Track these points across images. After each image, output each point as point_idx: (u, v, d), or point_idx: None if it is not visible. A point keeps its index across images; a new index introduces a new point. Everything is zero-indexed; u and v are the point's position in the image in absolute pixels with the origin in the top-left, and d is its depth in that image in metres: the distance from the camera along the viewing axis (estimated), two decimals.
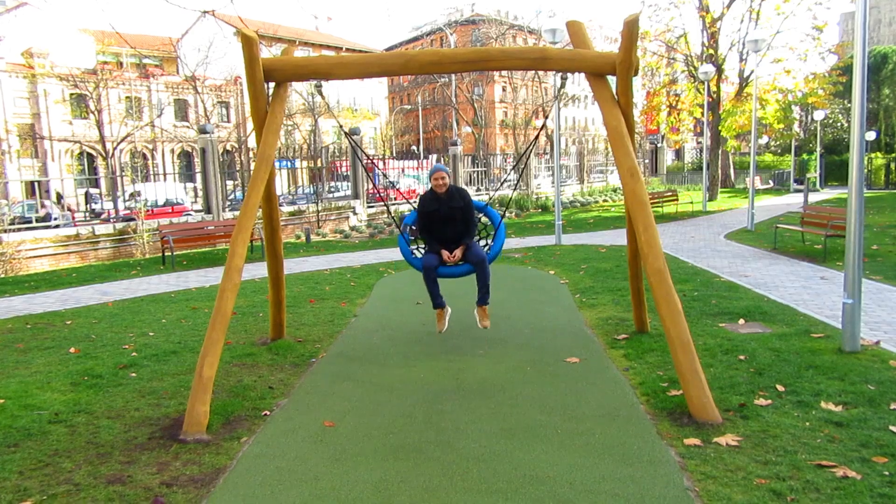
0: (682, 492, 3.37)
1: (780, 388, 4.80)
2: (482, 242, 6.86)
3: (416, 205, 6.58)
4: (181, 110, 45.76)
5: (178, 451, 4.09)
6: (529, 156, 7.76)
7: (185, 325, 7.68)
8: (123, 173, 26.05)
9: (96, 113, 35.98)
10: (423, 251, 6.54)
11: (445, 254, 6.11)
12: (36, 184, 31.69)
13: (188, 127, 42.22)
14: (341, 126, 7.00)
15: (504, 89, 63.13)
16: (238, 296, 5.52)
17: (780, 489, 3.32)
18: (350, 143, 7.08)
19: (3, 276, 13.88)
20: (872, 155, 41.45)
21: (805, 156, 45.39)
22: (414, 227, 6.67)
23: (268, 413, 4.76)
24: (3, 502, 3.47)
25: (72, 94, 39.18)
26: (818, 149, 41.85)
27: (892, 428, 3.99)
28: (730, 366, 5.38)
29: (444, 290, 6.31)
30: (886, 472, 3.45)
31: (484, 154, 35.56)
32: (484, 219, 7.10)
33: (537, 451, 3.92)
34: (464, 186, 27.29)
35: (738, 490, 3.35)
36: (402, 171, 31.29)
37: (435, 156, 41.37)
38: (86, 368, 5.91)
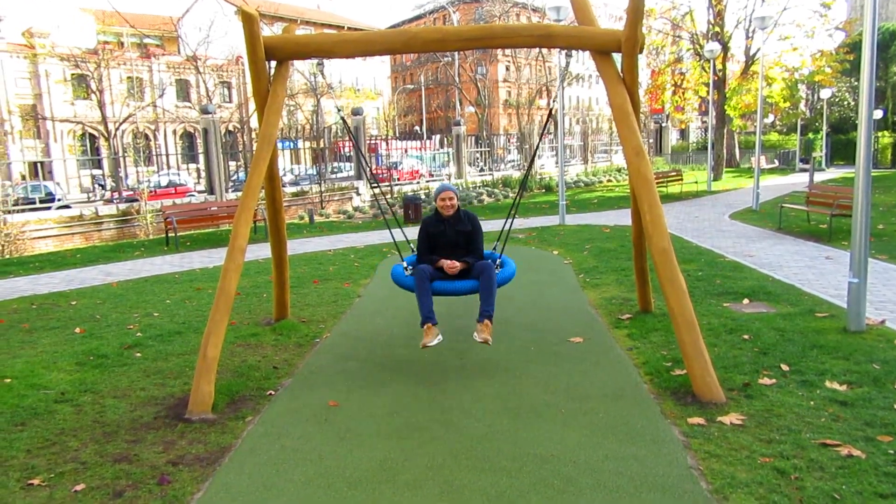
0: (685, 470, 3.38)
1: (784, 367, 4.79)
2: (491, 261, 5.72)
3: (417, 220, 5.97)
4: (183, 90, 45.55)
5: (184, 431, 4.12)
6: (540, 141, 7.62)
7: (189, 306, 7.69)
8: (126, 154, 26.00)
9: (98, 93, 35.83)
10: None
11: (445, 262, 5.29)
12: (38, 164, 31.69)
13: (190, 107, 42.07)
14: (339, 110, 6.57)
15: (508, 68, 62.60)
16: (242, 276, 5.51)
17: (784, 468, 3.32)
18: (347, 129, 6.75)
19: (7, 256, 13.94)
20: (879, 133, 41.09)
21: (811, 135, 45.03)
22: (412, 267, 5.45)
23: (272, 393, 4.78)
24: (12, 480, 3.50)
25: (73, 75, 38.98)
26: (824, 128, 41.51)
27: None
28: (734, 345, 5.38)
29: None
30: (891, 451, 3.45)
31: (487, 134, 35.39)
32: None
33: (541, 430, 3.93)
34: (468, 178, 27.09)
35: (742, 469, 3.35)
36: (405, 151, 31.19)
37: (438, 136, 41.18)
38: (91, 348, 5.93)
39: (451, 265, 5.27)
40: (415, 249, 5.74)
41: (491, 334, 4.95)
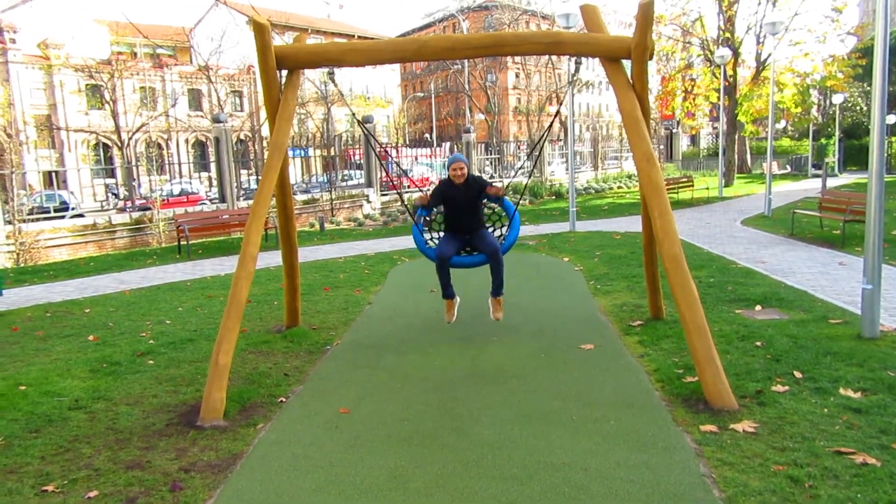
0: (698, 478, 3.36)
1: (797, 374, 4.75)
2: (496, 233, 6.79)
3: (430, 191, 6.52)
4: (195, 100, 45.94)
5: (196, 438, 4.14)
6: (544, 144, 7.64)
7: (201, 313, 7.74)
8: (139, 163, 26.25)
9: (111, 103, 36.25)
10: (437, 242, 6.47)
11: (495, 188, 6.15)
12: (53, 174, 32.03)
13: (202, 116, 42.43)
14: (354, 115, 6.99)
15: (517, 76, 62.72)
16: (253, 284, 5.54)
17: (797, 476, 3.29)
18: (363, 131, 6.96)
19: (22, 265, 14.08)
20: (893, 138, 40.74)
21: (823, 140, 44.70)
22: (428, 218, 6.65)
23: (283, 400, 4.79)
24: (27, 486, 3.53)
25: (87, 85, 39.46)
26: (837, 133, 41.22)
27: None
28: (746, 352, 5.34)
29: (457, 278, 6.27)
30: None
31: (497, 141, 35.42)
32: (498, 208, 7.00)
33: (552, 438, 3.92)
34: (478, 174, 27.21)
35: (755, 477, 3.33)
36: (416, 159, 31.27)
37: (448, 143, 41.26)
38: (104, 356, 5.98)
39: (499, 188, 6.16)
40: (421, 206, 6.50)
41: (503, 311, 6.13)
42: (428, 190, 6.82)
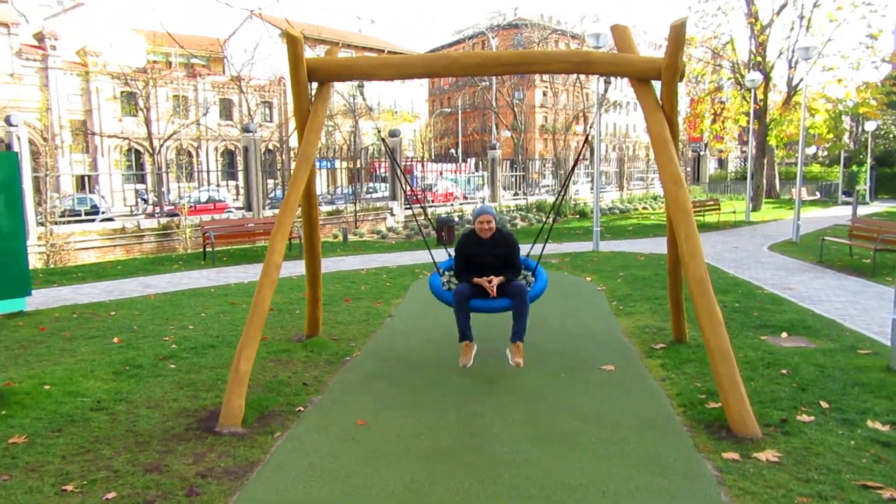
0: None
1: (823, 404, 4.65)
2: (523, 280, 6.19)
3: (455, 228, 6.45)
4: (226, 109, 46.64)
5: (214, 443, 4.16)
6: (575, 166, 7.61)
7: (224, 320, 7.81)
8: (169, 170, 26.71)
9: (145, 111, 36.97)
10: (454, 284, 5.85)
11: (482, 281, 5.48)
12: (86, 178, 32.66)
13: (232, 126, 43.03)
14: (379, 131, 7.00)
15: (545, 94, 62.83)
16: (275, 292, 5.58)
17: None
18: (385, 148, 6.81)
19: (52, 266, 14.36)
20: None
21: (854, 167, 44.02)
22: (448, 272, 6.01)
23: (302, 409, 4.80)
24: (47, 485, 3.57)
25: (122, 92, 40.30)
26: (869, 160, 40.57)
27: None
28: (771, 380, 5.24)
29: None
30: None
31: (523, 159, 35.44)
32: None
33: (570, 459, 3.87)
34: (503, 202, 27.10)
35: None
36: (441, 173, 31.39)
37: (473, 159, 41.37)
38: (127, 358, 6.05)
39: (489, 286, 5.48)
40: (449, 254, 6.19)
41: (523, 357, 5.33)
42: (451, 206, 6.82)
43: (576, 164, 7.12)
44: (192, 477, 3.68)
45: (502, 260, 5.64)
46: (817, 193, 42.42)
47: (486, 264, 5.59)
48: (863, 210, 27.23)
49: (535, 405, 4.82)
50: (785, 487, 3.45)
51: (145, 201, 27.20)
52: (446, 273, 5.97)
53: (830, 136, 33.22)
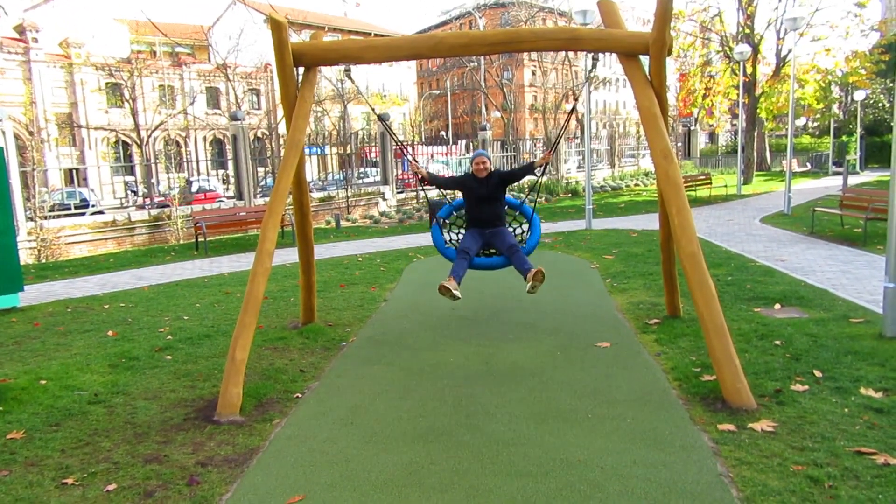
0: (715, 477, 3.32)
1: (817, 373, 4.69)
2: (516, 232, 6.77)
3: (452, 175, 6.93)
4: (213, 98, 46.28)
5: (213, 432, 4.17)
6: (559, 142, 7.52)
7: (218, 310, 7.80)
8: (157, 161, 26.53)
9: (131, 101, 36.64)
10: (457, 243, 6.64)
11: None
12: (74, 171, 32.43)
13: (220, 114, 42.75)
14: (373, 109, 7.17)
15: (534, 73, 62.44)
16: (269, 281, 5.58)
17: (817, 476, 3.25)
18: (384, 127, 7.12)
19: (44, 261, 14.28)
20: None
21: (844, 137, 44.08)
22: (447, 220, 6.89)
23: (299, 396, 4.82)
24: (47, 479, 3.58)
25: (107, 83, 39.90)
26: (858, 130, 40.63)
27: None
28: (765, 351, 5.28)
29: (476, 278, 6.28)
30: None
31: (513, 139, 35.33)
32: (518, 215, 7.07)
33: (568, 435, 3.91)
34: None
35: (774, 476, 3.29)
36: (431, 156, 31.27)
37: (464, 141, 41.22)
38: (123, 351, 6.05)
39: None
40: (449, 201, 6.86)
41: (538, 272, 5.71)
42: (448, 202, 7.05)
43: (559, 136, 7.16)
44: (193, 466, 3.70)
45: (503, 184, 6.40)
46: (808, 165, 42.54)
47: (483, 197, 6.29)
48: (853, 180, 27.33)
49: (531, 383, 4.85)
50: (780, 456, 3.49)
51: (135, 193, 27.04)
52: (446, 221, 6.78)
53: (820, 106, 33.18)
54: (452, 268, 5.93)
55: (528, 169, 6.72)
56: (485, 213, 6.33)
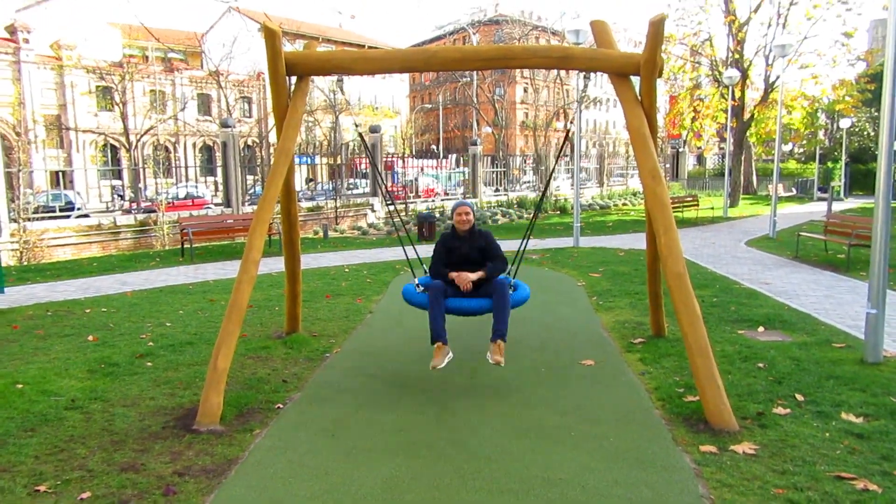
0: (696, 499, 3.32)
1: (799, 397, 4.71)
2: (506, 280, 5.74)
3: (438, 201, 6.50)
4: (204, 104, 46.17)
5: (192, 441, 4.11)
6: (557, 164, 7.47)
7: (202, 317, 7.73)
8: (146, 165, 26.34)
9: (121, 105, 36.44)
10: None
11: (457, 276, 5.28)
12: (60, 174, 32.15)
13: (210, 121, 42.59)
14: (357, 126, 6.76)
15: (525, 90, 62.93)
16: (255, 289, 5.53)
17: (797, 500, 3.25)
18: (364, 146, 6.49)
19: (25, 263, 14.10)
20: None
21: (830, 164, 44.68)
22: (423, 288, 5.51)
23: (281, 406, 4.77)
24: (19, 486, 3.51)
25: (98, 87, 39.71)
26: (843, 157, 41.20)
27: None
28: (748, 373, 5.30)
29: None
30: None
31: (503, 155, 35.51)
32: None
33: (550, 453, 3.89)
34: (483, 198, 27.05)
35: (755, 499, 3.29)
36: (422, 169, 31.33)
37: (454, 155, 41.35)
38: (103, 356, 5.97)
39: (465, 281, 5.25)
40: (427, 271, 5.70)
41: (503, 355, 4.94)
42: (432, 202, 6.75)
43: (557, 160, 7.06)
44: (169, 476, 3.64)
45: (482, 252, 5.47)
46: (793, 190, 43.01)
47: (464, 258, 5.44)
48: (837, 206, 27.66)
49: (514, 400, 4.83)
50: (761, 479, 3.49)
51: (121, 197, 26.84)
52: (421, 287, 5.48)
53: (807, 132, 33.64)
54: (431, 326, 5.06)
55: (499, 260, 5.50)
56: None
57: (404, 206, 22.82)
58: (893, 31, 5.16)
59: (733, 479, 3.52)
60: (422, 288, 5.43)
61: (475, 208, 5.81)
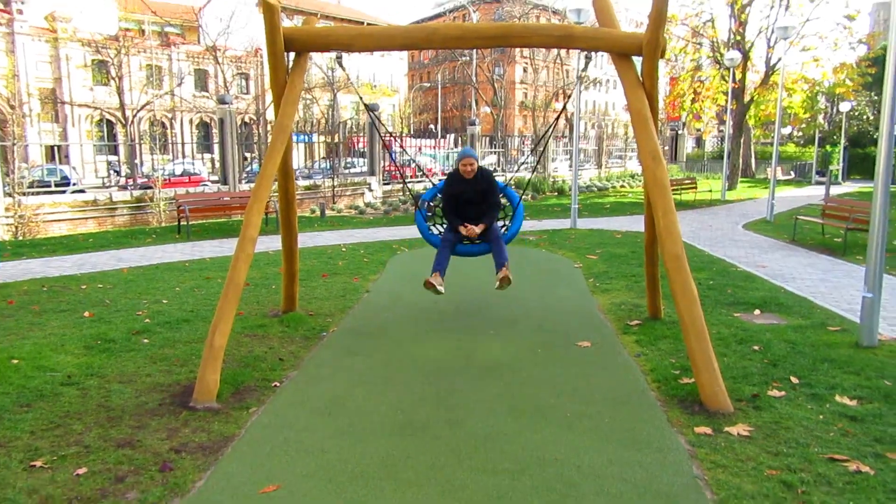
0: (690, 479, 3.34)
1: (794, 379, 4.74)
2: (500, 223, 6.78)
3: (436, 181, 6.72)
4: (201, 80, 45.76)
5: (188, 418, 4.12)
6: (548, 140, 7.45)
7: (199, 294, 7.71)
8: (142, 141, 26.15)
9: (117, 80, 36.09)
10: (441, 229, 6.66)
11: (465, 228, 6.15)
12: (55, 148, 31.90)
13: (207, 97, 42.27)
14: (361, 98, 6.87)
15: (525, 70, 62.42)
16: (252, 267, 5.52)
17: (790, 481, 3.28)
18: (371, 117, 7.01)
19: (20, 238, 14.05)
20: None
21: (828, 148, 44.62)
22: (432, 203, 6.85)
23: (277, 384, 4.78)
24: (15, 461, 3.51)
25: (93, 60, 39.26)
26: (842, 141, 41.13)
27: None
28: (743, 356, 5.32)
29: (458, 271, 6.31)
30: None
31: (502, 135, 35.31)
32: (503, 200, 7.02)
33: (545, 433, 3.90)
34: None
35: (748, 480, 3.31)
36: (420, 149, 31.17)
37: (453, 135, 41.15)
38: (99, 333, 5.96)
39: (472, 233, 6.13)
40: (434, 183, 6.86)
41: (509, 273, 5.80)
42: (431, 181, 6.97)
43: (547, 133, 7.07)
44: (166, 452, 3.65)
45: (483, 195, 6.22)
46: (792, 173, 43.00)
47: (469, 199, 6.21)
48: (835, 190, 27.66)
49: (510, 380, 4.84)
50: (755, 460, 3.52)
51: (118, 173, 26.67)
52: (429, 203, 6.73)
53: (807, 115, 33.54)
54: (436, 259, 6.02)
55: (495, 207, 6.42)
56: (472, 215, 6.27)
57: (403, 184, 22.71)
58: None
59: (727, 460, 3.54)
60: (430, 217, 6.68)
61: (477, 156, 6.55)
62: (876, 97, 41.53)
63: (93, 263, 9.97)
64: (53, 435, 3.85)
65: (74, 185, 20.82)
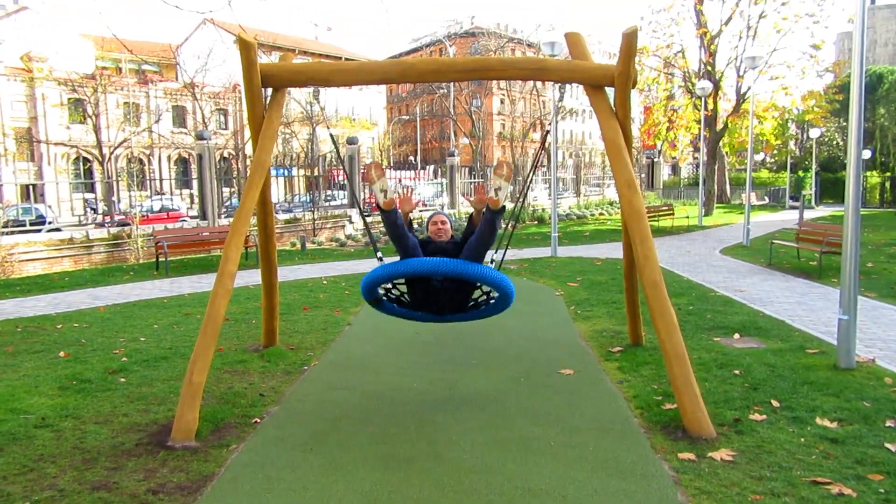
0: None
1: (774, 403, 4.77)
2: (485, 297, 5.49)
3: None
4: (179, 117, 45.74)
5: (166, 458, 4.03)
6: (533, 173, 7.35)
7: (177, 331, 7.61)
8: (119, 178, 26.00)
9: (94, 118, 35.94)
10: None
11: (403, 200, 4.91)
12: (31, 187, 31.58)
13: (186, 133, 42.21)
14: (333, 139, 6.20)
15: (502, 101, 63.33)
16: (231, 302, 5.46)
17: None
18: (339, 160, 5.99)
19: None
20: (868, 173, 41.71)
21: (801, 173, 45.60)
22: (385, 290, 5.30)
23: (258, 421, 4.70)
24: None
25: (70, 99, 39.13)
26: (814, 166, 42.06)
27: (887, 445, 3.96)
28: (724, 380, 5.35)
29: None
30: (882, 490, 3.41)
31: (481, 165, 35.63)
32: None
33: (530, 464, 3.88)
34: (462, 209, 27.06)
35: None
36: (399, 180, 31.30)
37: (432, 166, 41.40)
38: (75, 373, 5.84)
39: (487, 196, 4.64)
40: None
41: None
42: (416, 227, 6.15)
43: (533, 169, 6.94)
44: (143, 494, 3.56)
45: (455, 246, 4.94)
46: (766, 198, 43.80)
47: (444, 252, 4.85)
48: (809, 214, 28.17)
49: (493, 410, 4.82)
50: (739, 486, 3.52)
51: (94, 210, 26.43)
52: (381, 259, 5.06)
53: (778, 142, 34.32)
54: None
55: (491, 222, 4.78)
56: (441, 298, 4.81)
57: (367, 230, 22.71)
58: (859, 43, 5.29)
59: (711, 486, 3.54)
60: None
61: (453, 220, 5.21)
62: (844, 123, 42.66)
63: (68, 302, 9.81)
64: (27, 479, 3.74)
65: (50, 223, 20.59)
